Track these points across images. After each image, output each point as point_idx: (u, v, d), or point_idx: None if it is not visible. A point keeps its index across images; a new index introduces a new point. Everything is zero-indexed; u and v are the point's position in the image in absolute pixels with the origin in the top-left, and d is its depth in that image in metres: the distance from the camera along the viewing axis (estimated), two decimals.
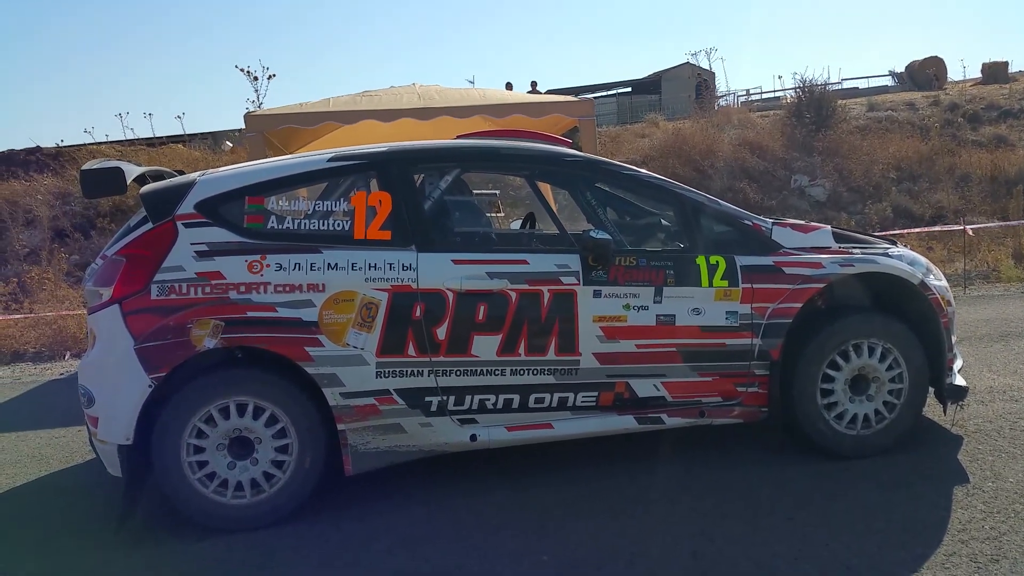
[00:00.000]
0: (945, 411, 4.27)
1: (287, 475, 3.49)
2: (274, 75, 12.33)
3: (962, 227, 10.23)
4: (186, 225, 3.50)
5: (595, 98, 13.16)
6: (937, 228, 10.98)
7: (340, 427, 3.51)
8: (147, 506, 3.74)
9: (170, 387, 3.40)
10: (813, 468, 3.82)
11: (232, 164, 4.18)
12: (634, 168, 4.15)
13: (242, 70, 12.03)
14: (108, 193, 3.83)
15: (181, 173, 4.12)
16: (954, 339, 4.17)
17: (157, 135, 16.18)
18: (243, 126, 8.13)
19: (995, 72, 24.49)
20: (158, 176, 4.02)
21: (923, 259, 4.22)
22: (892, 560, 2.94)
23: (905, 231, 10.39)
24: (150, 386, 3.34)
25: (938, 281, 4.13)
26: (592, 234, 3.63)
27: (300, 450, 3.49)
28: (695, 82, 24.78)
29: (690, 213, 3.88)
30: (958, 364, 4.21)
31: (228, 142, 16.90)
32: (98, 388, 3.45)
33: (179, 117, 29.07)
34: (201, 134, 17.20)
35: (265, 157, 6.52)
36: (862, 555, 2.99)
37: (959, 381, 4.10)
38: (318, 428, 3.51)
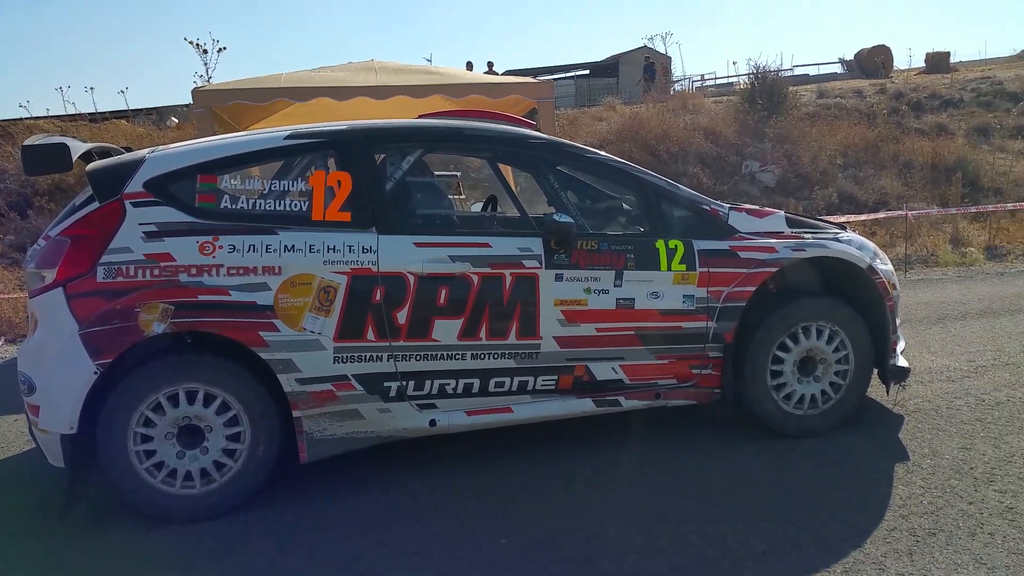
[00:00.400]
0: (888, 391, 4.40)
1: (239, 464, 3.42)
2: (224, 48, 11.98)
3: (904, 213, 10.51)
4: (134, 204, 3.38)
5: (553, 80, 13.09)
6: (882, 215, 11.25)
7: (295, 414, 3.45)
8: (92, 497, 3.64)
9: (117, 374, 3.29)
10: (762, 447, 3.92)
11: (178, 141, 4.05)
12: (597, 152, 4.16)
13: (191, 43, 11.66)
14: (52, 170, 3.67)
15: (128, 150, 4.00)
16: (898, 322, 4.30)
17: (100, 110, 15.63)
18: (190, 101, 7.84)
19: (937, 62, 25.14)
20: (104, 153, 3.89)
21: (871, 244, 4.33)
22: (838, 535, 3.05)
23: (851, 217, 10.60)
24: (95, 373, 3.23)
25: (884, 266, 4.25)
26: (555, 217, 3.63)
27: (253, 438, 3.42)
28: (645, 64, 24.77)
29: (651, 197, 3.91)
30: (901, 346, 4.36)
31: (174, 118, 16.44)
32: (40, 375, 3.30)
33: (122, 92, 28.17)
34: (146, 110, 16.69)
35: (213, 134, 6.37)
36: (809, 531, 3.09)
37: (902, 362, 4.24)
38: (272, 415, 3.45)
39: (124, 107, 16.32)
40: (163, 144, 3.94)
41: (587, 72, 31.05)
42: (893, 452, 3.82)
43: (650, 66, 24.25)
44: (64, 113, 15.41)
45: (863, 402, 4.27)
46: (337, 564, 3.03)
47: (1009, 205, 11.66)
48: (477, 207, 5.50)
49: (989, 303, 7.35)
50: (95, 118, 14.95)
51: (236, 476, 3.43)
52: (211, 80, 11.10)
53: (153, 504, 3.37)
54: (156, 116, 16.38)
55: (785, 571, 2.84)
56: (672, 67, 30.22)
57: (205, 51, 11.55)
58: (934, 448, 3.84)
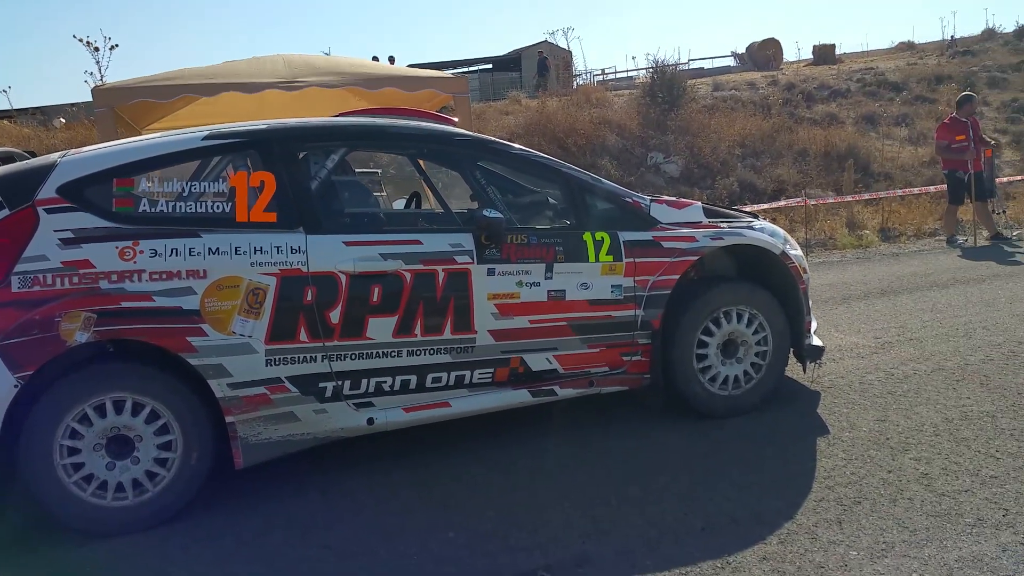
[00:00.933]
0: (805, 369, 4.61)
1: (172, 473, 3.32)
2: (117, 46, 11.41)
3: (804, 202, 10.98)
4: (48, 211, 3.23)
5: (466, 75, 13.10)
6: (782, 203, 11.71)
7: (228, 419, 3.37)
8: (17, 514, 3.47)
9: (39, 385, 3.14)
10: (692, 429, 4.06)
11: (68, 143, 3.89)
12: (523, 148, 4.21)
13: (82, 40, 11.08)
14: None
15: (33, 154, 3.82)
16: (810, 304, 4.51)
17: None
18: (75, 100, 7.47)
19: (824, 54, 26.36)
20: (7, 158, 3.71)
21: (781, 231, 4.53)
22: (770, 509, 3.18)
23: (753, 206, 11.00)
24: (16, 386, 3.07)
25: (795, 251, 4.45)
26: (484, 213, 3.65)
27: (185, 446, 3.32)
28: (538, 60, 24.97)
29: (576, 191, 3.98)
30: (814, 326, 4.56)
31: (61, 119, 15.65)
32: None
33: (5, 91, 26.64)
34: (31, 109, 15.82)
35: (116, 134, 6.11)
36: (744, 505, 3.21)
37: (816, 342, 4.45)
38: (204, 422, 3.35)
39: (7, 107, 15.42)
40: (54, 146, 3.76)
41: (490, 66, 31.21)
42: (814, 427, 4.01)
43: (543, 62, 24.48)
44: None
45: (783, 381, 4.45)
46: (280, 569, 2.97)
47: (899, 191, 12.34)
48: (400, 204, 5.46)
49: (888, 282, 7.76)
50: None
51: (170, 486, 3.31)
52: (104, 79, 10.61)
53: (83, 518, 3.23)
54: (42, 116, 15.56)
55: (724, 545, 2.94)
56: (573, 61, 30.64)
57: (97, 49, 11.01)
58: (851, 421, 4.04)
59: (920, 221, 11.62)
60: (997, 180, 11.10)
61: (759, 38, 28.25)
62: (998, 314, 6.10)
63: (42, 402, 3.14)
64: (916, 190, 12.29)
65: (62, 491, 3.18)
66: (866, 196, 12.10)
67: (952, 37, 28.12)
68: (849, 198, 11.88)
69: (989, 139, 10.86)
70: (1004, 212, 10.85)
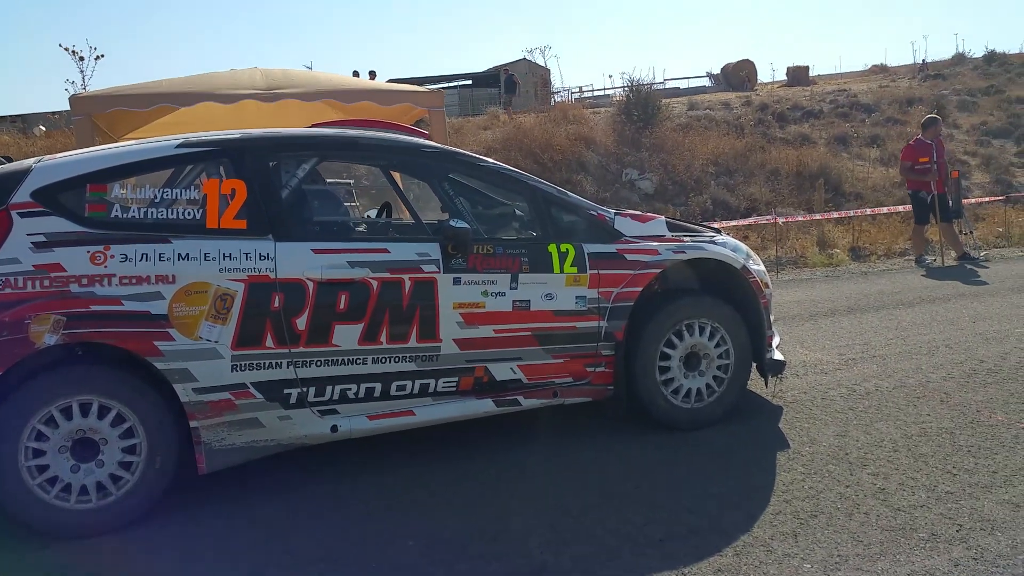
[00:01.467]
0: (767, 384, 4.70)
1: (136, 476, 3.33)
2: (102, 55, 11.41)
3: (775, 220, 11.14)
4: (21, 215, 3.27)
5: (443, 89, 13.22)
6: (753, 220, 11.88)
7: (193, 424, 3.39)
8: None
9: (5, 387, 3.17)
10: (654, 440, 4.12)
11: (48, 150, 3.92)
12: (490, 160, 4.28)
13: (67, 49, 11.08)
14: None
15: (8, 159, 3.84)
16: (772, 318, 4.60)
17: None
18: (56, 109, 7.51)
19: (798, 75, 26.81)
20: None
21: (744, 246, 4.62)
22: (729, 520, 3.24)
23: (724, 222, 11.15)
24: None
25: (757, 266, 4.54)
26: (451, 223, 3.71)
27: (149, 450, 3.34)
28: (504, 78, 25.11)
29: (542, 204, 4.05)
30: (776, 341, 4.65)
31: (42, 127, 15.56)
32: None
33: None
34: (11, 117, 15.71)
35: (93, 142, 6.11)
36: (703, 517, 3.27)
37: (778, 356, 4.54)
38: (169, 426, 3.38)
39: None
40: (33, 153, 3.79)
41: (470, 82, 31.37)
42: (775, 441, 4.08)
43: (509, 79, 24.66)
44: None
45: (745, 395, 4.53)
46: (242, 572, 3.00)
47: (868, 210, 12.55)
48: (372, 214, 5.50)
49: (856, 300, 7.90)
50: None
51: (133, 489, 3.33)
52: (87, 88, 10.60)
53: (47, 520, 3.24)
54: (23, 124, 15.45)
55: (682, 556, 2.99)
56: (551, 79, 30.91)
57: (82, 58, 11.01)
58: (812, 436, 4.12)
59: (890, 241, 11.83)
60: (964, 201, 11.36)
61: (734, 59, 28.63)
62: (961, 333, 6.23)
63: (9, 403, 3.16)
64: (886, 209, 12.51)
65: (26, 493, 3.19)
66: (835, 215, 12.29)
67: (923, 61, 28.72)
68: (819, 216, 12.07)
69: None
70: (972, 232, 11.08)
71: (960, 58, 27.59)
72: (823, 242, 11.72)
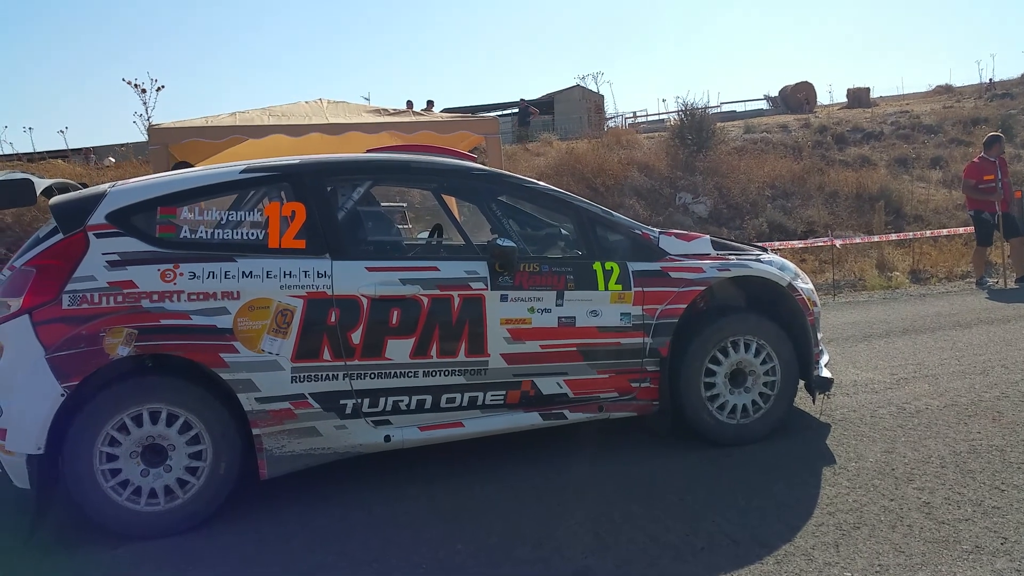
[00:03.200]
0: (814, 401, 4.71)
1: (202, 481, 3.54)
2: (163, 87, 12.06)
3: (831, 242, 11.03)
4: (97, 236, 3.54)
5: (497, 117, 13.52)
6: (809, 242, 11.77)
7: (255, 432, 3.59)
8: (57, 517, 3.71)
9: (82, 396, 3.40)
10: (699, 455, 4.17)
11: (116, 179, 4.20)
12: (535, 181, 4.43)
13: (129, 83, 11.70)
14: (17, 204, 3.84)
15: (85, 186, 4.13)
16: (820, 336, 4.62)
17: (38, 150, 15.50)
18: (125, 141, 7.99)
19: (859, 97, 26.40)
20: (64, 188, 4.03)
21: (791, 264, 4.66)
22: (770, 532, 3.28)
23: (782, 244, 11.08)
24: (62, 395, 3.34)
25: (805, 284, 4.57)
26: (498, 242, 3.86)
27: (215, 456, 3.54)
28: (520, 109, 25.04)
29: (586, 223, 4.18)
30: (824, 359, 4.66)
31: (111, 158, 16.34)
32: (6, 399, 3.40)
33: (62, 132, 27.74)
34: (84, 149, 16.55)
35: (168, 170, 6.47)
36: (744, 528, 3.32)
37: (825, 373, 4.54)
38: (232, 433, 3.58)
39: (63, 147, 16.15)
40: (103, 182, 4.08)
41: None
42: (821, 456, 4.09)
43: (524, 111, 24.61)
44: (1, 153, 15.23)
45: (792, 412, 4.55)
46: (299, 572, 3.16)
47: (929, 232, 12.33)
48: (424, 236, 5.70)
49: (912, 322, 7.79)
50: (32, 157, 14.79)
51: (199, 493, 3.54)
52: (151, 119, 11.18)
53: (119, 521, 3.46)
54: (94, 156, 16.25)
55: (722, 564, 3.05)
56: (604, 105, 31.04)
57: (144, 91, 11.62)
58: (859, 452, 4.12)
59: (952, 263, 11.59)
60: None
61: (793, 81, 28.38)
62: (1018, 353, 6.11)
63: (85, 411, 3.40)
64: (947, 232, 12.28)
65: (100, 495, 3.43)
66: (895, 237, 12.10)
67: (990, 80, 27.99)
68: (877, 238, 11.90)
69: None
70: None
71: None
72: (882, 265, 11.54)
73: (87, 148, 16.92)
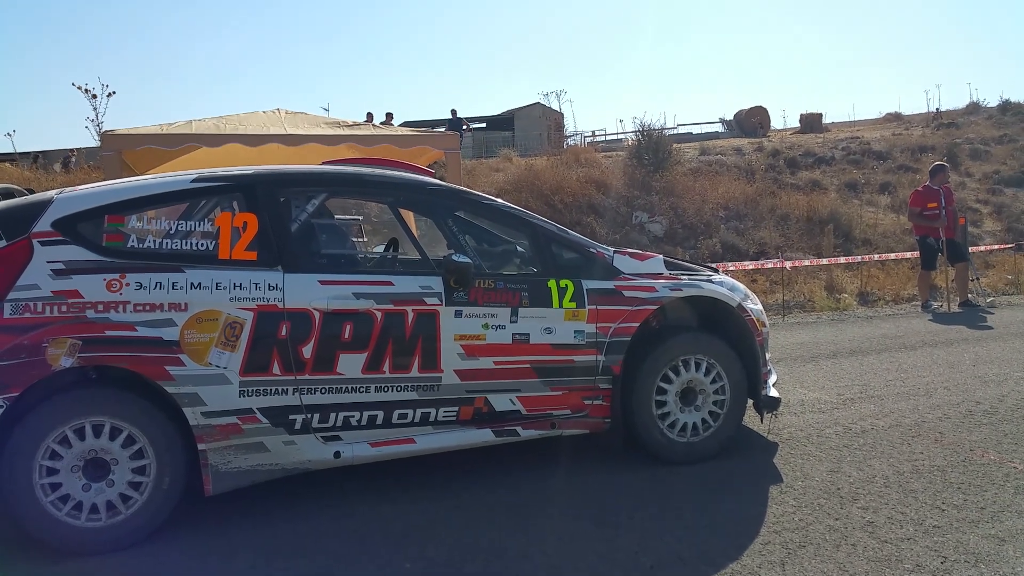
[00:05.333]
0: (762, 420, 4.78)
1: (145, 496, 3.45)
2: (114, 93, 11.86)
3: (781, 263, 11.24)
4: (42, 243, 3.45)
5: (459, 133, 13.54)
6: (760, 264, 11.98)
7: (201, 447, 3.52)
8: None
9: (23, 407, 3.30)
10: (649, 472, 4.20)
11: (67, 184, 4.12)
12: (492, 198, 4.45)
13: (80, 88, 11.47)
14: None
15: (31, 191, 4.04)
16: (768, 356, 4.70)
17: None
18: (76, 146, 7.83)
19: (811, 122, 27.08)
20: (9, 194, 3.94)
21: (741, 285, 4.74)
22: (717, 550, 3.31)
23: (735, 265, 11.25)
24: (1, 406, 3.23)
25: (754, 305, 4.65)
26: (454, 258, 3.86)
27: (158, 471, 3.46)
28: (450, 120, 24.61)
29: (542, 240, 4.20)
30: (773, 378, 4.74)
31: (61, 162, 16.01)
32: None
33: (10, 135, 26.99)
34: (33, 153, 16.17)
35: (121, 176, 6.35)
36: (692, 546, 3.35)
37: (773, 393, 4.62)
38: (177, 448, 3.50)
39: (11, 150, 15.76)
40: (52, 188, 3.99)
41: (484, 125, 31.85)
42: (768, 475, 4.15)
43: (456, 121, 24.17)
44: None
45: (741, 431, 4.61)
46: None
47: (877, 256, 12.64)
48: (379, 250, 5.67)
49: (859, 343, 7.97)
50: None
51: (142, 508, 3.45)
52: (101, 125, 10.98)
53: (58, 537, 3.36)
54: (43, 160, 15.89)
55: None
56: (564, 123, 31.32)
57: (95, 96, 11.38)
58: (805, 471, 4.19)
59: (899, 287, 11.90)
60: (973, 249, 11.43)
61: (748, 106, 28.97)
62: (960, 375, 6.29)
63: (26, 423, 3.30)
64: (893, 255, 12.60)
65: (40, 510, 3.32)
66: (844, 260, 12.37)
67: (937, 109, 28.90)
68: (826, 261, 12.16)
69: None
70: (978, 279, 11.13)
71: (974, 107, 27.75)
72: (831, 287, 11.79)
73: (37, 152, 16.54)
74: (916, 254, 11.12)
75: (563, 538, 3.45)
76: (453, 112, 24.59)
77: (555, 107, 32.62)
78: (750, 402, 4.57)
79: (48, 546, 3.38)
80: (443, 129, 25.32)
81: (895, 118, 30.42)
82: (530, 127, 28.98)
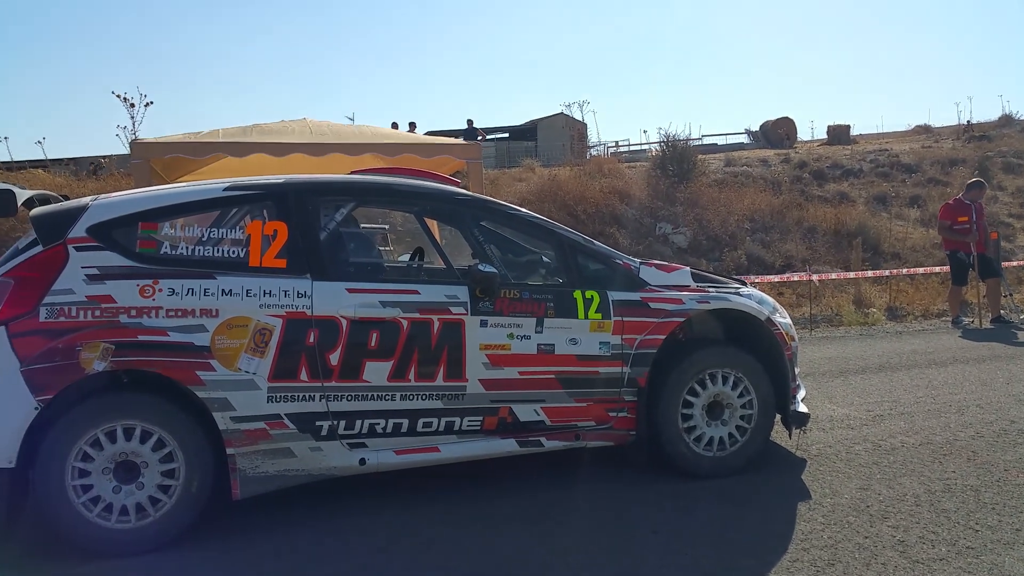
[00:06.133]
0: (790, 435, 4.73)
1: (173, 500, 3.49)
2: (152, 103, 11.99)
3: (808, 277, 11.14)
4: (77, 249, 3.51)
5: (481, 142, 13.59)
6: (786, 277, 11.89)
7: (229, 451, 3.55)
8: (25, 532, 3.64)
9: (56, 410, 3.36)
10: (674, 486, 4.16)
11: (99, 191, 4.18)
12: (518, 208, 4.45)
13: (119, 96, 11.60)
14: None
15: (66, 198, 4.10)
16: (797, 370, 4.65)
17: (16, 159, 15.37)
18: (107, 153, 7.96)
19: (839, 134, 26.81)
20: (44, 200, 4.00)
21: (770, 299, 4.70)
22: (743, 566, 3.27)
23: (760, 278, 11.17)
24: (36, 408, 3.30)
25: (783, 319, 4.61)
26: (480, 267, 3.87)
27: (187, 474, 3.50)
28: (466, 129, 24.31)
29: (568, 251, 4.20)
30: (801, 393, 4.68)
31: (92, 166, 16.24)
32: None
33: (39, 142, 27.60)
34: (64, 160, 16.43)
35: (150, 184, 6.45)
36: (718, 562, 3.31)
37: (802, 408, 4.56)
38: (206, 452, 3.54)
39: (42, 157, 16.02)
40: (84, 194, 4.05)
41: (507, 135, 31.90)
42: (796, 492, 4.10)
43: (471, 131, 23.94)
44: None
45: (768, 446, 4.56)
46: None
47: (906, 270, 12.49)
48: (405, 258, 5.70)
49: (888, 358, 7.86)
50: (11, 167, 14.66)
51: (170, 511, 3.49)
52: (136, 134, 11.12)
53: (88, 538, 3.41)
54: (74, 167, 16.13)
55: None
56: (588, 133, 31.29)
57: (132, 105, 11.52)
58: (834, 488, 4.13)
59: (928, 302, 11.75)
60: (1005, 264, 11.25)
61: (774, 117, 28.77)
62: (993, 393, 6.18)
63: (59, 425, 3.36)
64: (923, 270, 12.44)
65: (71, 511, 3.37)
66: (872, 274, 12.24)
67: (968, 121, 28.52)
68: (854, 274, 12.03)
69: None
70: (1010, 295, 10.95)
71: (1007, 119, 27.30)
72: (859, 301, 11.66)
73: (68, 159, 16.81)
74: (946, 269, 10.98)
75: (586, 551, 3.43)
76: (469, 122, 24.62)
77: (578, 117, 32.58)
78: (778, 417, 4.52)
79: (78, 547, 3.43)
80: (459, 139, 25.30)
81: (924, 130, 30.06)
82: (553, 137, 28.98)
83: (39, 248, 3.50)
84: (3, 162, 15.00)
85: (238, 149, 7.78)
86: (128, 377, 3.53)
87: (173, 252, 3.65)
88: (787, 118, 28.11)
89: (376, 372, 3.73)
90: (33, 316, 3.38)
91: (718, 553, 3.39)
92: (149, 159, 7.58)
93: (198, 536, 3.59)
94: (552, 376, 4.00)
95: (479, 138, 23.26)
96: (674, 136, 17.46)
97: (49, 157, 16.35)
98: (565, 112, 32.19)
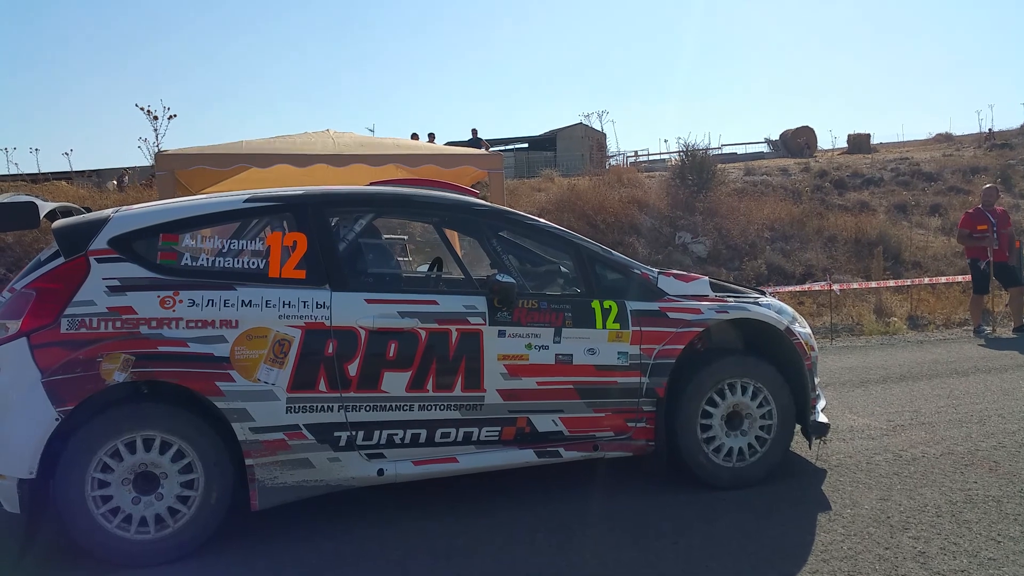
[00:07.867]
0: (810, 445, 4.69)
1: (192, 510, 3.51)
2: (175, 115, 12.11)
3: (828, 286, 11.06)
4: (99, 260, 3.55)
5: (502, 152, 13.64)
6: (807, 286, 11.81)
7: (248, 462, 3.57)
8: (45, 543, 3.68)
9: (77, 421, 3.40)
10: (694, 497, 4.14)
11: (121, 203, 4.22)
12: (536, 218, 4.45)
13: (142, 109, 11.74)
14: (20, 227, 3.84)
15: (88, 210, 4.15)
16: (817, 380, 4.61)
17: (43, 171, 15.60)
18: (130, 164, 8.07)
19: (859, 143, 26.67)
20: (67, 212, 4.05)
21: (789, 308, 4.67)
22: None
23: (780, 288, 11.10)
24: (57, 419, 3.33)
25: (803, 328, 4.58)
26: (498, 277, 3.87)
27: (206, 485, 3.52)
28: (587, 142, 24.95)
29: (586, 261, 4.20)
30: (821, 404, 4.64)
31: (115, 181, 16.45)
32: (1, 421, 3.38)
33: (66, 154, 27.98)
34: (87, 172, 16.65)
35: (174, 195, 6.53)
36: (738, 573, 3.29)
37: (822, 418, 4.52)
38: (225, 463, 3.56)
39: (67, 168, 16.24)
40: (107, 206, 4.10)
41: (526, 145, 31.96)
42: (816, 502, 4.07)
43: (475, 140, 23.91)
44: (6, 173, 15.32)
45: (788, 457, 4.53)
46: None
47: (927, 279, 12.37)
48: (424, 269, 5.72)
49: (909, 368, 7.78)
50: (36, 178, 14.88)
51: (190, 522, 3.51)
52: (159, 146, 11.25)
53: (108, 549, 3.43)
54: (97, 178, 16.34)
55: None
56: (607, 143, 31.29)
57: (156, 117, 11.65)
58: (854, 499, 4.09)
59: (950, 311, 11.62)
60: None
61: (794, 126, 28.65)
62: (1016, 403, 6.10)
63: (79, 436, 3.39)
64: (944, 279, 12.32)
65: (91, 521, 3.40)
66: (893, 283, 12.13)
67: (990, 129, 28.26)
68: (875, 284, 11.93)
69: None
70: None
71: None
72: (880, 310, 11.56)
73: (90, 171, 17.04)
74: (967, 277, 10.87)
75: (605, 562, 3.41)
76: (474, 131, 24.64)
77: (597, 127, 32.60)
78: (798, 427, 4.49)
79: (97, 557, 3.46)
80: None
81: (946, 139, 29.83)
82: (572, 147, 29.02)
83: (61, 260, 3.55)
84: (28, 174, 15.21)
85: (262, 160, 7.85)
86: (148, 388, 3.56)
87: (193, 264, 3.68)
88: (807, 127, 28.01)
89: (394, 382, 3.74)
90: (54, 327, 3.42)
91: (738, 564, 3.37)
92: (174, 170, 7.68)
93: (217, 547, 3.60)
94: (570, 386, 4.00)
95: (483, 148, 23.30)
96: (693, 145, 17.44)
97: (74, 169, 16.58)
98: (584, 122, 32.22)
